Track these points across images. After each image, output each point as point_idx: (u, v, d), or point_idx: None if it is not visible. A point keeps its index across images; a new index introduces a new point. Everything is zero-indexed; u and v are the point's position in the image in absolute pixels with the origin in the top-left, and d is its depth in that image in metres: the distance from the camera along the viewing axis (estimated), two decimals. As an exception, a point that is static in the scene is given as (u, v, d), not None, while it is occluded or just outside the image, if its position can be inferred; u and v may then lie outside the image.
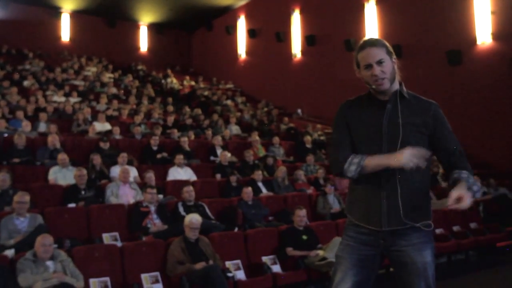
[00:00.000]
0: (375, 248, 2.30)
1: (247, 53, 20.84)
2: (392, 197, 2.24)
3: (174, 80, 19.52)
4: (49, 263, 4.59)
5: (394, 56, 2.32)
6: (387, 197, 2.24)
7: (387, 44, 2.32)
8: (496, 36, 11.69)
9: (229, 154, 9.39)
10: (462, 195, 2.07)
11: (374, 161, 2.21)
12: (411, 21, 13.56)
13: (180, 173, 8.28)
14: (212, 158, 9.76)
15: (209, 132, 11.17)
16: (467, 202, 2.06)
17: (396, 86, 2.33)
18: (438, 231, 7.96)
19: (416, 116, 2.27)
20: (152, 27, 23.85)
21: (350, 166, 2.25)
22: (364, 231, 2.32)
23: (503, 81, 11.28)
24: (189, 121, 12.55)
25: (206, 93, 17.83)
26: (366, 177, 2.27)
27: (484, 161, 11.76)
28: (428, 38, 12.96)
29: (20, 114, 9.93)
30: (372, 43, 2.29)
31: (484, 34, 11.92)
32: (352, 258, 2.32)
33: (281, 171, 8.50)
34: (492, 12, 11.80)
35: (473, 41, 12.09)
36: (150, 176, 7.25)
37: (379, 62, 2.25)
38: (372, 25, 14.84)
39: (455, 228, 8.22)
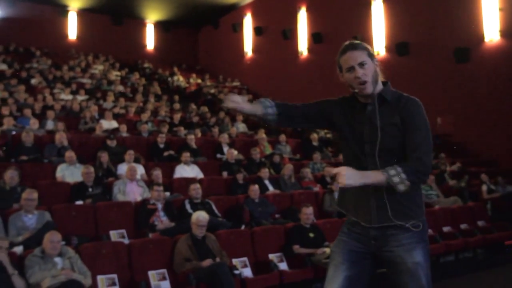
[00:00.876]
0: (366, 247, 2.34)
1: (254, 50, 20.81)
2: (379, 194, 2.26)
3: (181, 78, 19.55)
4: (57, 259, 4.61)
5: (376, 59, 2.34)
6: (374, 194, 2.27)
7: (369, 47, 2.33)
8: (504, 33, 11.61)
9: (235, 152, 9.39)
10: (336, 171, 2.14)
11: None
12: (418, 19, 13.49)
13: (187, 170, 8.29)
14: (218, 155, 9.77)
15: (215, 130, 11.19)
16: (341, 181, 2.11)
17: (379, 88, 2.34)
18: (445, 229, 7.94)
19: (394, 116, 2.28)
20: (159, 25, 23.88)
21: (267, 109, 2.34)
22: (357, 230, 2.36)
23: (511, 78, 11.20)
24: (195, 119, 12.57)
25: (212, 90, 17.84)
26: None
27: (492, 159, 11.69)
28: (436, 36, 12.89)
29: (27, 112, 9.99)
30: (353, 46, 2.31)
31: (492, 31, 11.84)
32: (343, 252, 2.37)
33: (288, 169, 8.50)
34: (500, 9, 11.71)
35: (481, 38, 12.01)
36: (157, 173, 7.27)
37: (361, 64, 2.28)
38: (379, 23, 14.78)
39: (463, 226, 8.19)
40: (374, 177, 2.16)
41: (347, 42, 2.36)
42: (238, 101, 2.26)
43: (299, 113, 2.44)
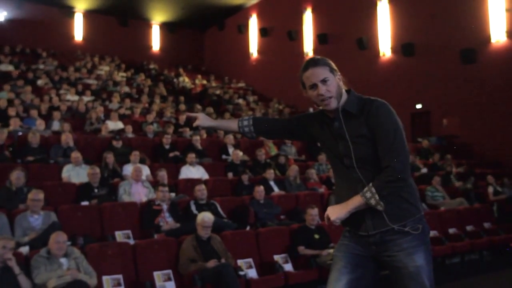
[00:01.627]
0: (367, 251, 2.34)
1: (259, 51, 20.83)
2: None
3: (186, 79, 19.60)
4: (63, 260, 4.63)
5: (338, 73, 2.32)
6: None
7: (330, 62, 2.32)
8: (511, 34, 11.56)
9: (241, 153, 9.39)
10: (326, 214, 2.33)
11: None
12: (424, 19, 13.46)
13: (192, 171, 8.29)
14: (224, 156, 9.77)
15: (221, 131, 11.18)
16: (331, 218, 2.30)
17: (343, 100, 2.32)
18: (451, 230, 7.92)
19: (361, 127, 2.26)
20: (164, 26, 23.95)
21: (243, 121, 2.57)
22: (357, 235, 2.36)
23: (517, 79, 11.16)
24: (201, 120, 12.55)
25: (218, 92, 17.87)
26: (343, 183, 2.38)
27: (498, 160, 11.64)
28: (442, 37, 12.86)
29: (34, 112, 10.03)
30: (314, 62, 2.29)
31: (498, 32, 11.79)
32: (346, 256, 2.36)
33: (293, 170, 8.48)
34: (507, 10, 11.66)
35: (487, 39, 11.97)
36: (163, 174, 7.28)
37: (324, 81, 2.26)
38: (384, 23, 14.76)
39: (469, 228, 8.16)
40: (355, 203, 2.26)
41: (308, 58, 2.35)
42: (209, 119, 2.55)
43: (279, 127, 2.59)
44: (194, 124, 2.54)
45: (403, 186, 2.22)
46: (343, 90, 2.33)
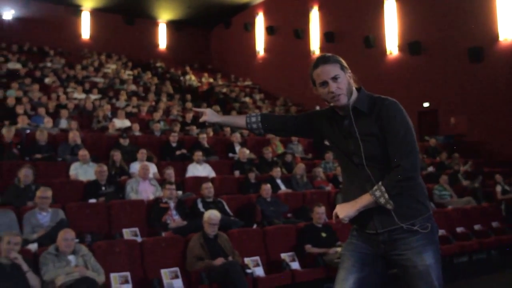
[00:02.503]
0: (375, 250, 2.33)
1: (266, 50, 20.81)
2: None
3: (193, 77, 19.61)
4: (71, 257, 4.66)
5: (349, 71, 2.31)
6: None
7: (341, 59, 2.31)
8: (519, 32, 11.50)
9: (247, 151, 9.38)
10: (335, 212, 2.34)
11: None
12: (431, 18, 13.39)
13: (199, 169, 8.30)
14: (230, 155, 9.78)
15: (227, 129, 11.19)
16: (339, 216, 2.32)
17: (354, 98, 2.31)
18: (459, 229, 7.88)
19: (371, 125, 2.25)
20: (171, 24, 23.98)
21: (251, 118, 2.57)
22: (365, 234, 2.35)
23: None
24: (207, 118, 12.56)
25: (224, 90, 17.87)
26: (352, 181, 2.36)
27: (506, 159, 11.57)
28: (449, 35, 12.79)
29: (41, 110, 10.07)
30: (325, 60, 2.29)
31: (506, 30, 11.71)
32: (354, 255, 2.35)
33: (300, 168, 8.48)
34: (515, 8, 11.59)
35: (495, 37, 11.89)
36: (170, 172, 7.29)
37: (334, 78, 2.26)
38: (391, 22, 14.70)
39: (477, 227, 8.12)
40: (364, 201, 2.25)
41: (318, 56, 2.35)
42: (216, 115, 2.53)
43: (287, 124, 2.56)
44: (201, 120, 2.53)
45: (412, 185, 2.21)
46: (354, 88, 2.32)
